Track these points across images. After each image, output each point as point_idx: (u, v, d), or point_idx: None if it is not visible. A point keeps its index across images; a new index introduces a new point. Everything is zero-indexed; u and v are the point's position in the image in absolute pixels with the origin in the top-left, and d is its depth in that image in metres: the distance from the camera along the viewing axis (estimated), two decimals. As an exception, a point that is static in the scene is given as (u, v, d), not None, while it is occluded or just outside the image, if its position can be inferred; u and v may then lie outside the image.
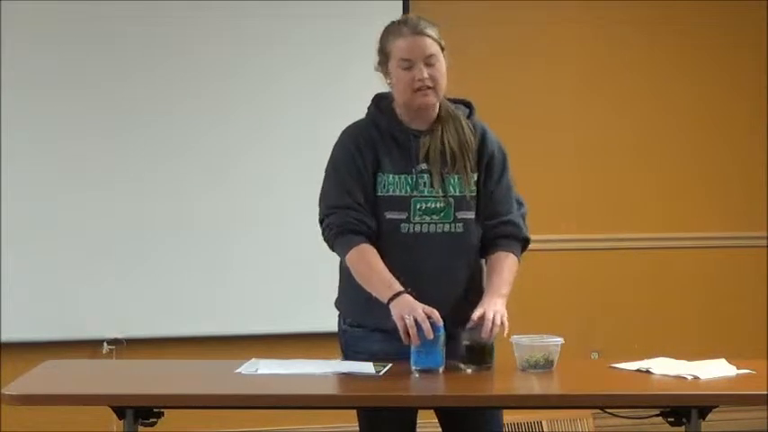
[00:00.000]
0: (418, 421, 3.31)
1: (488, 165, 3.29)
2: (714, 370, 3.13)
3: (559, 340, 3.15)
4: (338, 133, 5.23)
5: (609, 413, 3.14)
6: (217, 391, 3.02)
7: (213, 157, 5.28)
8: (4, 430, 4.89)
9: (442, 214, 3.24)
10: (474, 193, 3.26)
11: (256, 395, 2.98)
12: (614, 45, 5.74)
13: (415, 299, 3.14)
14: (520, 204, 3.37)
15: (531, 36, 5.65)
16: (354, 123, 3.36)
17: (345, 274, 3.33)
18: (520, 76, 5.57)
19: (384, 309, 3.14)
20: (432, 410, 3.28)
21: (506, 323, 3.15)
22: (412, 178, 3.24)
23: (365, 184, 3.24)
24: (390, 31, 3.30)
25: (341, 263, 3.33)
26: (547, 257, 5.40)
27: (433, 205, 3.24)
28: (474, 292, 3.27)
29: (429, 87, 3.21)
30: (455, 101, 3.36)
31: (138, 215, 5.19)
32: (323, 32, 5.35)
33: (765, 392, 2.92)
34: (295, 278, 5.32)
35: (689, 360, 3.24)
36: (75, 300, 5.14)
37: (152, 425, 2.99)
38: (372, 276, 3.21)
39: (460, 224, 3.25)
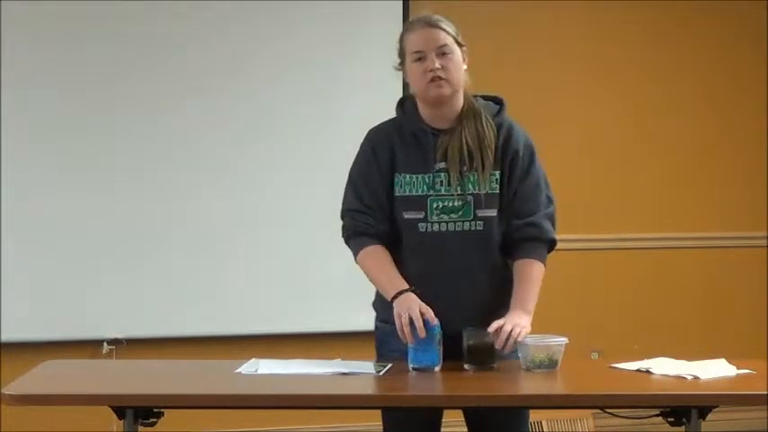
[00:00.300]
0: (444, 420, 3.31)
1: (512, 162, 3.27)
2: (714, 370, 3.13)
3: (563, 340, 3.15)
4: (338, 133, 5.30)
5: (609, 413, 3.14)
6: (217, 391, 3.02)
7: (213, 157, 5.28)
8: (4, 430, 4.89)
9: (460, 213, 3.23)
10: (495, 191, 3.25)
11: (256, 395, 2.98)
12: (616, 45, 5.74)
13: (419, 297, 3.15)
14: (550, 201, 3.33)
15: (533, 36, 5.65)
16: (378, 125, 3.37)
17: None
18: (522, 76, 5.57)
19: None
20: (459, 410, 3.28)
21: (524, 335, 3.14)
22: (429, 177, 3.24)
23: (378, 188, 3.27)
24: (406, 27, 3.32)
25: None
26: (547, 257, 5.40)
27: (451, 204, 3.23)
28: (498, 291, 3.26)
29: (442, 78, 3.20)
30: (486, 97, 3.36)
31: (138, 215, 5.19)
32: (324, 32, 5.36)
33: (765, 392, 2.92)
34: (295, 278, 5.32)
35: (689, 360, 3.24)
36: (75, 300, 5.14)
37: (152, 425, 2.99)
38: (379, 276, 3.25)
39: (481, 222, 3.24)
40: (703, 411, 2.96)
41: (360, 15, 5.39)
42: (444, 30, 3.24)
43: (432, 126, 3.28)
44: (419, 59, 3.22)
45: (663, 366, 3.17)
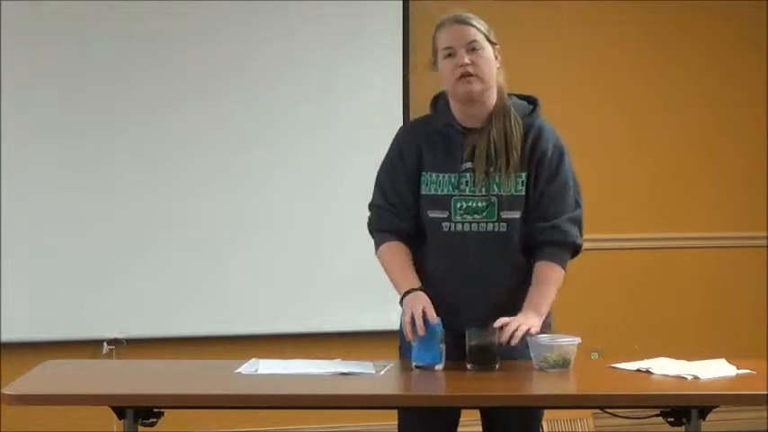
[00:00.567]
0: (462, 420, 3.32)
1: (539, 163, 3.24)
2: (714, 370, 3.13)
3: (576, 339, 3.16)
4: (339, 133, 5.31)
5: (609, 413, 3.14)
6: (217, 391, 3.02)
7: (214, 156, 5.28)
8: (4, 430, 4.89)
9: (484, 213, 3.22)
10: (521, 193, 3.23)
11: (256, 395, 2.98)
12: (616, 45, 5.74)
13: (429, 297, 3.16)
14: (577, 205, 3.31)
15: (532, 36, 5.65)
16: (410, 122, 3.39)
17: None
18: (522, 76, 5.53)
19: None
20: (475, 410, 3.28)
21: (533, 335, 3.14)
22: (454, 177, 3.23)
23: (402, 187, 3.27)
24: (438, 26, 3.28)
25: None
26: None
27: (475, 204, 3.23)
28: (520, 293, 3.24)
29: (471, 74, 3.19)
30: (521, 97, 3.35)
31: (139, 215, 5.19)
32: (324, 32, 5.35)
33: (765, 392, 2.92)
34: (295, 278, 5.32)
35: (689, 360, 3.24)
36: (75, 300, 5.14)
37: (152, 425, 2.99)
38: (394, 273, 3.27)
39: (504, 223, 3.23)
40: (703, 411, 2.96)
41: (360, 16, 5.38)
42: (474, 26, 3.23)
43: (462, 124, 3.27)
44: (449, 56, 3.21)
45: (663, 366, 3.17)
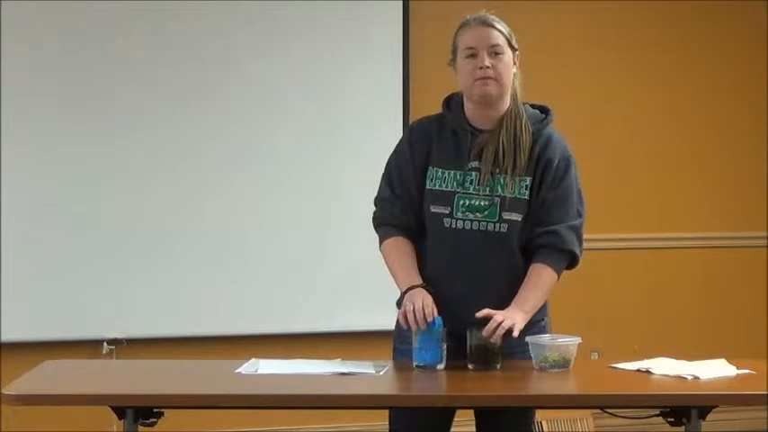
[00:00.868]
0: (456, 420, 3.32)
1: (545, 171, 3.26)
2: (714, 370, 3.13)
3: (576, 339, 3.16)
4: (342, 134, 5.30)
5: (609, 413, 3.14)
6: (217, 391, 3.02)
7: (214, 157, 5.28)
8: (4, 430, 4.89)
9: (486, 213, 3.24)
10: (524, 197, 3.24)
11: (256, 395, 2.97)
12: (614, 45, 5.74)
13: (431, 295, 3.17)
14: (578, 215, 3.31)
15: (531, 36, 5.62)
16: (421, 118, 3.40)
17: None
18: (525, 77, 5.56)
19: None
20: (469, 410, 3.30)
21: (516, 332, 3.13)
22: (460, 175, 3.25)
23: (409, 180, 3.29)
24: (461, 25, 3.30)
25: None
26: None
27: (478, 203, 3.24)
28: (514, 294, 3.24)
29: (490, 78, 3.21)
30: (535, 106, 3.38)
31: (139, 215, 5.19)
32: (324, 33, 5.35)
33: (765, 392, 2.92)
34: (295, 278, 5.32)
35: (689, 360, 3.24)
36: (75, 300, 5.14)
37: (152, 425, 2.99)
38: (396, 268, 3.29)
39: (505, 224, 3.24)
40: (703, 411, 2.96)
41: (360, 16, 5.38)
42: (498, 30, 3.26)
43: (473, 125, 3.28)
44: (471, 56, 3.23)
45: (663, 366, 3.17)
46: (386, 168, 3.37)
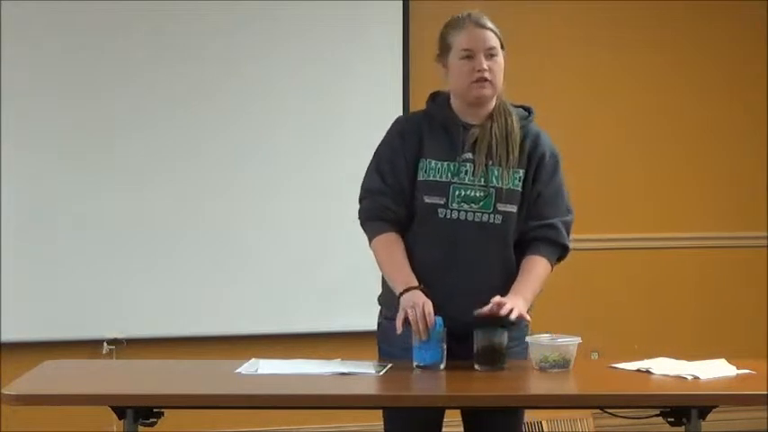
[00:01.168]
0: (445, 420, 3.32)
1: (539, 166, 3.31)
2: (714, 370, 3.13)
3: (576, 339, 3.16)
4: (341, 134, 5.30)
5: (609, 413, 3.14)
6: (217, 391, 3.02)
7: (213, 157, 5.28)
8: (4, 430, 4.89)
9: (481, 203, 3.25)
10: (517, 188, 3.27)
11: (256, 395, 2.97)
12: (612, 45, 5.74)
13: (427, 296, 3.16)
14: (568, 211, 3.36)
15: (529, 36, 5.65)
16: (407, 114, 3.40)
17: None
18: (518, 77, 5.55)
19: None
20: (457, 410, 3.29)
21: (527, 318, 3.17)
22: (454, 166, 3.26)
23: (401, 171, 3.28)
24: (453, 23, 3.31)
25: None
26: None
27: (473, 193, 3.25)
28: (507, 288, 3.26)
29: (487, 80, 3.24)
30: (516, 106, 3.40)
31: (139, 215, 5.19)
32: (327, 33, 5.36)
33: (765, 392, 2.92)
34: (295, 278, 5.32)
35: (689, 360, 3.24)
36: (75, 300, 5.14)
37: (152, 425, 2.99)
38: (390, 268, 3.27)
39: (500, 216, 3.26)
40: (703, 411, 2.96)
41: (360, 16, 5.39)
42: (494, 32, 3.28)
43: (463, 121, 3.30)
44: (467, 57, 3.25)
45: (663, 366, 3.17)
46: (375, 161, 3.35)
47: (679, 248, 5.82)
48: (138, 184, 5.20)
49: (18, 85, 5.08)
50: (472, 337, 3.15)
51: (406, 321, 3.13)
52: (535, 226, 3.30)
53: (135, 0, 5.16)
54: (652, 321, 5.74)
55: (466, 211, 3.25)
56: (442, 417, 3.32)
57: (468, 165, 3.25)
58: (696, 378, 3.04)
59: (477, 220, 3.25)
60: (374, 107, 5.32)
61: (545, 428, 5.36)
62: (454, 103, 3.33)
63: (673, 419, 2.99)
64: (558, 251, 3.34)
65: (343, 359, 3.30)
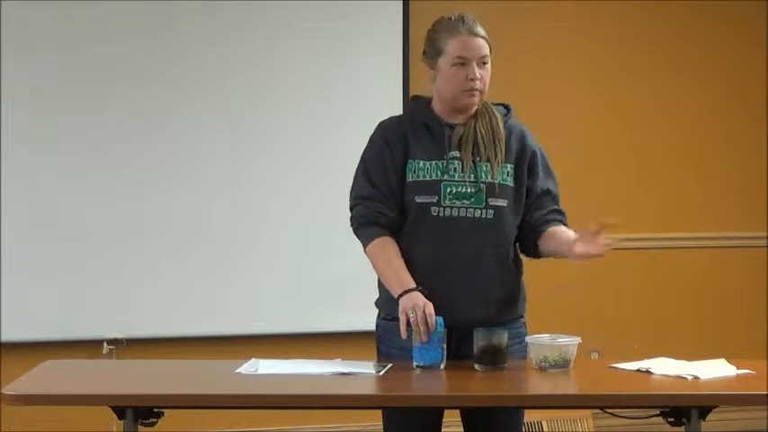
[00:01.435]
0: (444, 420, 3.32)
1: (532, 161, 3.35)
2: (714, 370, 3.13)
3: (576, 339, 3.16)
4: (341, 133, 5.30)
5: (609, 413, 3.14)
6: (217, 391, 3.02)
7: (213, 158, 5.28)
8: (4, 430, 4.89)
9: (473, 199, 3.26)
10: (507, 182, 3.30)
11: (256, 395, 2.98)
12: (612, 45, 5.74)
13: (426, 297, 3.16)
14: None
15: (529, 36, 5.65)
16: (389, 117, 3.40)
17: None
18: (517, 77, 5.57)
19: None
20: (456, 410, 3.29)
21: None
22: (443, 164, 3.27)
23: (391, 175, 3.29)
24: (445, 27, 3.31)
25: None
26: (547, 258, 5.40)
27: (464, 190, 3.26)
28: (506, 282, 3.30)
29: (477, 89, 3.26)
30: (495, 104, 3.41)
31: (139, 215, 5.19)
32: (327, 33, 5.35)
33: (765, 392, 2.92)
34: (295, 278, 5.32)
35: (689, 360, 3.24)
36: (75, 300, 5.14)
37: (152, 425, 2.99)
38: (387, 271, 3.26)
39: (491, 210, 3.27)
40: (703, 411, 2.96)
41: (360, 15, 5.39)
42: (486, 39, 3.29)
43: (445, 120, 3.32)
44: (460, 65, 3.26)
45: (663, 366, 3.17)
46: (362, 167, 3.36)
47: (679, 248, 5.82)
48: (138, 185, 5.20)
49: (18, 85, 5.07)
50: (472, 336, 3.16)
51: (408, 323, 3.13)
52: (550, 210, 3.36)
53: (135, 0, 5.16)
54: (652, 321, 5.74)
55: (458, 208, 3.26)
56: (442, 417, 3.32)
57: (456, 162, 3.27)
58: (696, 378, 3.04)
59: (469, 215, 3.26)
60: (374, 107, 5.30)
61: (545, 428, 5.36)
62: (436, 105, 3.35)
63: (673, 419, 2.99)
64: None
65: (343, 359, 3.30)
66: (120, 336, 5.15)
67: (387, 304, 3.30)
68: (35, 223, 5.11)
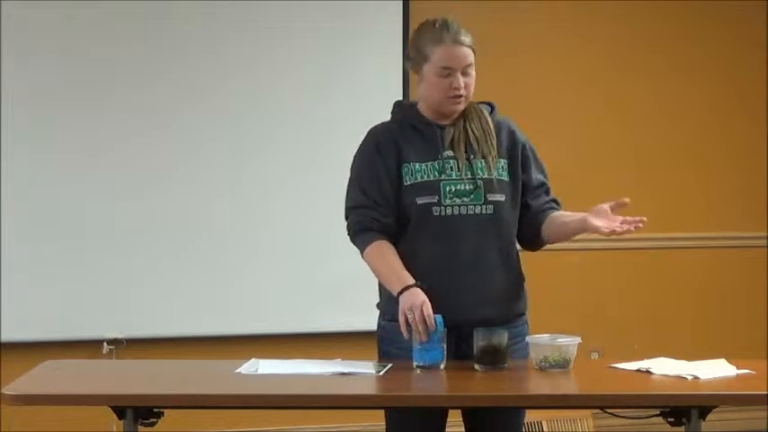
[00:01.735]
0: (448, 421, 3.32)
1: (524, 154, 3.38)
2: (714, 370, 3.13)
3: (576, 339, 3.17)
4: (338, 134, 5.30)
5: (609, 413, 3.14)
6: (217, 391, 3.02)
7: (213, 158, 5.28)
8: (4, 430, 4.89)
9: (472, 196, 3.28)
10: (504, 178, 3.32)
11: (256, 395, 2.98)
12: (611, 44, 5.74)
13: (425, 292, 3.16)
14: None
15: (529, 36, 5.65)
16: (378, 123, 3.40)
17: None
18: (519, 77, 5.58)
19: None
20: (457, 410, 3.30)
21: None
22: (439, 164, 3.29)
23: (383, 182, 3.30)
24: (430, 34, 3.32)
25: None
26: (547, 257, 5.34)
27: (463, 187, 3.28)
28: (509, 279, 3.32)
29: (462, 95, 3.28)
30: (478, 103, 3.42)
31: (139, 215, 5.19)
32: (327, 33, 5.35)
33: (765, 392, 2.92)
34: (296, 278, 5.32)
35: (689, 360, 3.24)
36: (75, 300, 5.14)
37: (152, 425, 2.99)
38: (385, 271, 3.26)
39: (491, 206, 3.29)
40: (703, 411, 2.96)
41: (360, 16, 5.39)
42: (470, 47, 3.29)
43: (434, 122, 3.34)
44: (446, 76, 3.27)
45: (663, 366, 3.17)
46: (354, 177, 3.36)
47: (679, 248, 5.82)
48: (138, 185, 5.20)
49: (18, 85, 5.07)
50: (472, 336, 3.16)
51: (407, 323, 3.14)
52: (549, 199, 3.42)
53: (135, 0, 5.16)
54: (652, 321, 5.74)
55: (459, 206, 3.27)
56: (446, 417, 3.32)
57: (451, 161, 3.29)
58: (696, 378, 3.04)
59: (470, 212, 3.28)
60: (374, 107, 5.25)
61: (545, 428, 5.36)
62: (423, 107, 3.36)
63: (673, 419, 2.99)
64: None
65: (343, 359, 3.30)
66: (120, 336, 5.15)
67: (389, 306, 3.29)
68: (35, 223, 5.11)
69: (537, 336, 3.21)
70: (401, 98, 5.32)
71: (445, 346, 3.15)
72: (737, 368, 3.16)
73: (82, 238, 5.14)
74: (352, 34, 5.39)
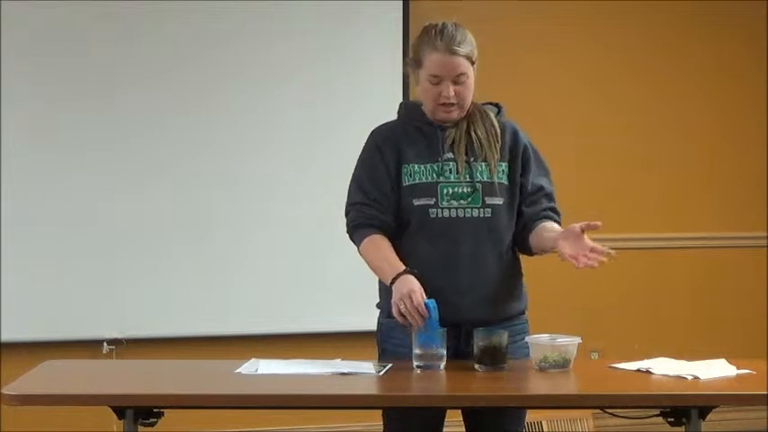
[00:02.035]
0: (446, 420, 3.32)
1: (525, 157, 3.37)
2: (714, 370, 3.13)
3: (576, 339, 3.17)
4: (339, 133, 5.31)
5: (609, 413, 3.14)
6: (217, 391, 3.02)
7: (214, 157, 5.28)
8: (4, 430, 4.89)
9: (470, 199, 3.27)
10: (503, 182, 3.31)
11: (256, 395, 2.98)
12: (611, 44, 5.74)
13: (418, 279, 3.16)
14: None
15: (531, 36, 5.65)
16: (381, 124, 3.41)
17: None
18: (520, 77, 5.58)
19: None
20: (458, 410, 3.30)
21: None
22: (438, 166, 3.28)
23: (383, 181, 3.30)
24: (426, 39, 3.30)
25: None
26: (547, 257, 5.37)
27: (461, 190, 3.28)
28: (506, 281, 3.32)
29: (454, 104, 3.27)
30: (484, 104, 3.41)
31: (139, 215, 5.19)
32: (327, 33, 5.36)
33: (765, 392, 2.92)
34: (295, 278, 5.32)
35: (689, 360, 3.24)
36: (75, 300, 5.14)
37: (152, 425, 2.99)
38: (378, 261, 3.27)
39: (489, 209, 3.29)
40: (703, 411, 2.96)
41: (360, 16, 5.39)
42: (464, 56, 3.26)
43: (437, 123, 3.34)
44: (435, 83, 3.27)
45: (663, 366, 3.17)
46: (355, 176, 3.37)
47: (679, 248, 5.82)
48: (138, 184, 5.20)
49: (18, 84, 5.07)
50: (468, 325, 3.18)
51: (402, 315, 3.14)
52: (545, 207, 3.38)
53: (135, 0, 5.15)
54: (652, 321, 5.74)
55: (456, 208, 3.27)
56: (444, 417, 3.32)
57: (450, 164, 3.29)
58: (696, 378, 3.04)
59: (467, 215, 3.28)
60: (374, 107, 5.30)
61: (545, 428, 5.36)
62: (426, 109, 3.36)
63: (673, 419, 2.99)
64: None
65: (343, 359, 3.30)
66: (120, 336, 5.15)
67: (388, 304, 3.30)
68: (35, 223, 5.11)
69: (537, 336, 3.21)
70: (401, 98, 5.33)
71: (445, 347, 3.14)
72: (737, 368, 3.16)
73: (82, 238, 5.14)
74: (352, 34, 5.39)
